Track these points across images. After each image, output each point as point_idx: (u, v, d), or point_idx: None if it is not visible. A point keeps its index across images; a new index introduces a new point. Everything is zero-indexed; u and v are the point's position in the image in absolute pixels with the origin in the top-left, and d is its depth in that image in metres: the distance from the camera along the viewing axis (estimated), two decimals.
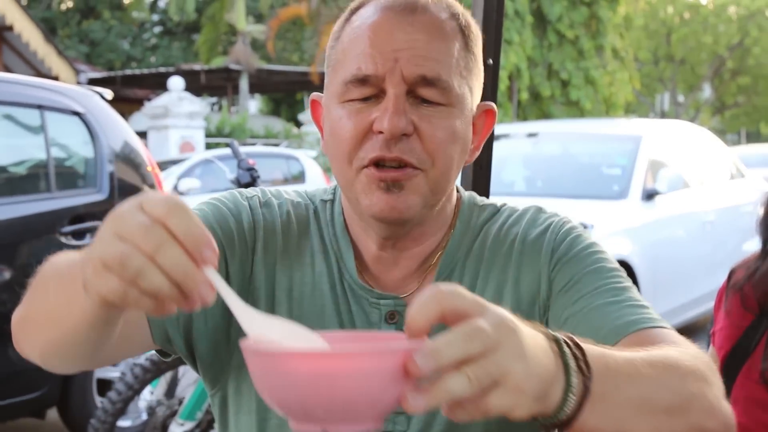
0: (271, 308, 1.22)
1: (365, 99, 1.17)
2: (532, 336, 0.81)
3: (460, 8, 1.23)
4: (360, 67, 1.16)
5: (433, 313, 0.78)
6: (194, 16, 26.76)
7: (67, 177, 4.83)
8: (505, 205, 1.31)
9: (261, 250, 1.24)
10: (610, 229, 6.00)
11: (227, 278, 1.20)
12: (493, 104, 1.28)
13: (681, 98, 31.99)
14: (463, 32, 1.21)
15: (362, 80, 1.16)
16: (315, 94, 1.29)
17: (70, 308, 0.95)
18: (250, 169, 3.94)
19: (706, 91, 33.15)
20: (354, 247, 1.26)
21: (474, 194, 1.34)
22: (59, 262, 1.03)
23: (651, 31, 29.24)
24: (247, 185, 3.88)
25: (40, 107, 4.64)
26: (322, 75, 1.35)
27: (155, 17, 32.52)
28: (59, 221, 4.48)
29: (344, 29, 1.22)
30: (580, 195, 6.43)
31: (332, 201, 1.31)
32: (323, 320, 1.22)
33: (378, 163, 1.15)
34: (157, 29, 33.12)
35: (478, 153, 1.27)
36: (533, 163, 7.54)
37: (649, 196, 6.56)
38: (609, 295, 1.16)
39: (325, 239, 1.27)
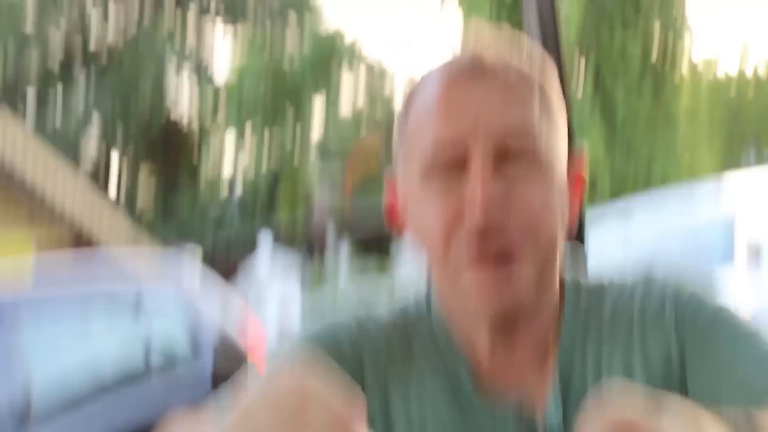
0: None
1: (449, 172, 1.06)
2: (715, 427, 0.71)
3: (528, 54, 1.14)
4: (438, 135, 1.07)
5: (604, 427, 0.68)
6: (268, 192, 27.39)
7: (167, 371, 4.83)
8: (611, 280, 1.20)
9: (370, 380, 1.15)
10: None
11: None
12: (581, 150, 1.18)
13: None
14: (538, 82, 1.11)
15: (443, 148, 1.06)
16: (391, 171, 1.20)
17: None
18: None
19: None
20: (464, 352, 1.15)
21: (575, 276, 1.22)
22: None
23: (720, 112, 28.95)
24: None
25: (137, 290, 4.68)
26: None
27: (232, 207, 33.33)
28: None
29: (411, 105, 1.14)
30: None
31: (427, 310, 1.20)
32: None
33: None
34: (236, 215, 33.89)
35: (576, 219, 1.16)
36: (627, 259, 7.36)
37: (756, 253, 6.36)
38: (754, 354, 1.05)
39: (431, 355, 1.17)
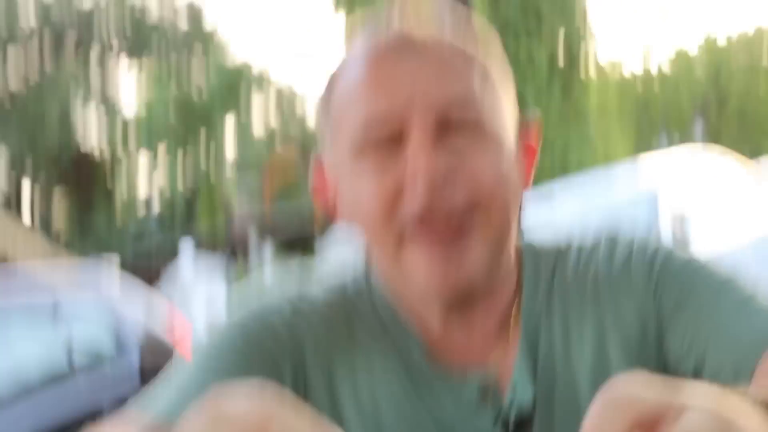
0: (338, 424, 1.00)
1: (384, 149, 0.94)
2: (749, 415, 0.58)
3: (462, 23, 1.00)
4: (370, 110, 0.93)
5: (623, 426, 0.54)
6: (186, 207, 27.20)
7: (93, 370, 4.73)
8: (569, 242, 1.10)
9: (312, 366, 1.02)
10: None
11: None
12: (533, 118, 1.06)
13: (676, 137, 32.19)
14: (475, 52, 0.98)
15: (376, 125, 0.93)
16: (317, 157, 1.07)
17: None
18: None
19: (699, 127, 33.35)
20: (414, 330, 1.04)
21: (530, 239, 1.11)
22: None
23: (629, 94, 29.67)
24: None
25: (54, 299, 4.58)
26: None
27: (151, 223, 32.97)
28: (97, 418, 4.35)
29: (335, 83, 1.01)
30: None
31: (366, 284, 1.08)
32: (406, 423, 1.00)
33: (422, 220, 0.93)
34: (155, 230, 33.55)
35: (530, 183, 1.05)
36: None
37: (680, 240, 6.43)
38: (736, 299, 0.95)
39: (376, 331, 1.04)
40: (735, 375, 0.90)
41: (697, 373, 0.95)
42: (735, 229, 7.21)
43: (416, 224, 0.93)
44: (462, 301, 0.99)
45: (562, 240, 1.11)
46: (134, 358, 4.75)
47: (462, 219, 0.93)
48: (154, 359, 4.85)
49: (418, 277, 0.95)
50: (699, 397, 0.55)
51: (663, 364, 1.00)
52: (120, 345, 4.76)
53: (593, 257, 1.06)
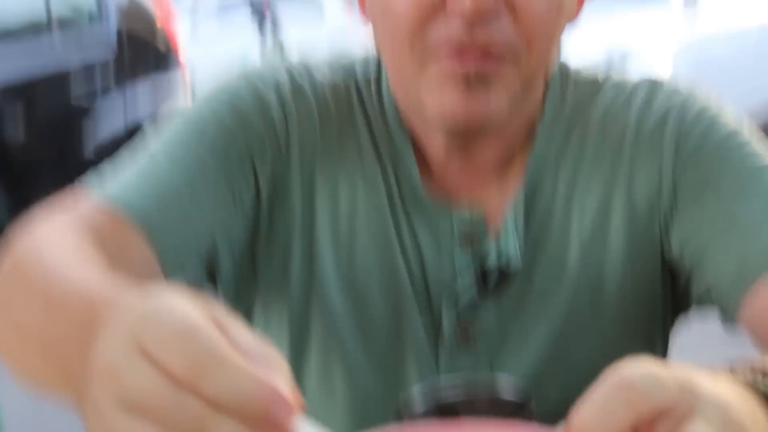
0: (309, 234, 0.94)
1: None
2: (757, 420, 0.54)
3: None
4: None
5: (625, 423, 0.48)
6: None
7: (71, 26, 4.62)
8: (608, 77, 0.98)
9: (296, 155, 0.94)
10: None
11: (257, 197, 0.94)
12: None
13: None
14: None
15: None
16: None
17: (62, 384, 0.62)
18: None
19: None
20: (412, 144, 0.95)
21: (565, 61, 0.99)
22: (54, 272, 0.69)
23: None
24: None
25: None
26: None
27: None
28: (65, 79, 4.30)
29: None
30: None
31: (377, 80, 0.98)
32: (381, 247, 0.94)
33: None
34: None
35: (580, 12, 0.93)
36: None
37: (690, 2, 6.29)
38: (761, 206, 0.86)
39: (375, 133, 0.96)
40: (732, 286, 0.85)
41: (693, 270, 0.89)
42: (743, 13, 7.08)
43: (448, 51, 0.83)
44: (470, 138, 0.91)
45: (601, 69, 1.00)
46: (113, 21, 4.64)
47: (500, 52, 0.84)
48: (133, 25, 4.77)
49: (434, 103, 0.86)
50: (708, 396, 0.49)
51: (661, 252, 0.93)
52: (100, 5, 4.64)
53: (628, 100, 0.95)
